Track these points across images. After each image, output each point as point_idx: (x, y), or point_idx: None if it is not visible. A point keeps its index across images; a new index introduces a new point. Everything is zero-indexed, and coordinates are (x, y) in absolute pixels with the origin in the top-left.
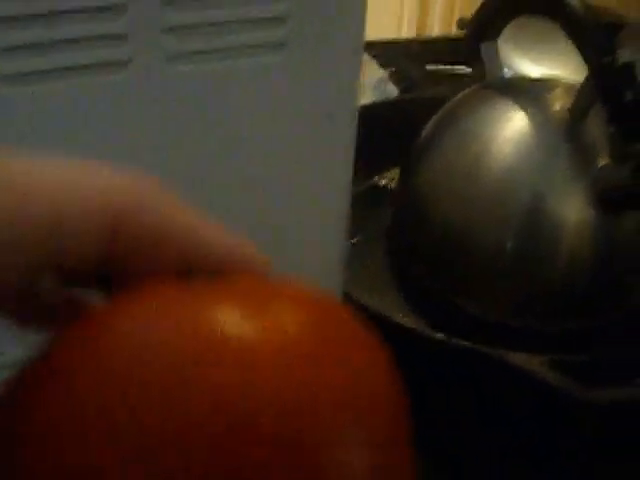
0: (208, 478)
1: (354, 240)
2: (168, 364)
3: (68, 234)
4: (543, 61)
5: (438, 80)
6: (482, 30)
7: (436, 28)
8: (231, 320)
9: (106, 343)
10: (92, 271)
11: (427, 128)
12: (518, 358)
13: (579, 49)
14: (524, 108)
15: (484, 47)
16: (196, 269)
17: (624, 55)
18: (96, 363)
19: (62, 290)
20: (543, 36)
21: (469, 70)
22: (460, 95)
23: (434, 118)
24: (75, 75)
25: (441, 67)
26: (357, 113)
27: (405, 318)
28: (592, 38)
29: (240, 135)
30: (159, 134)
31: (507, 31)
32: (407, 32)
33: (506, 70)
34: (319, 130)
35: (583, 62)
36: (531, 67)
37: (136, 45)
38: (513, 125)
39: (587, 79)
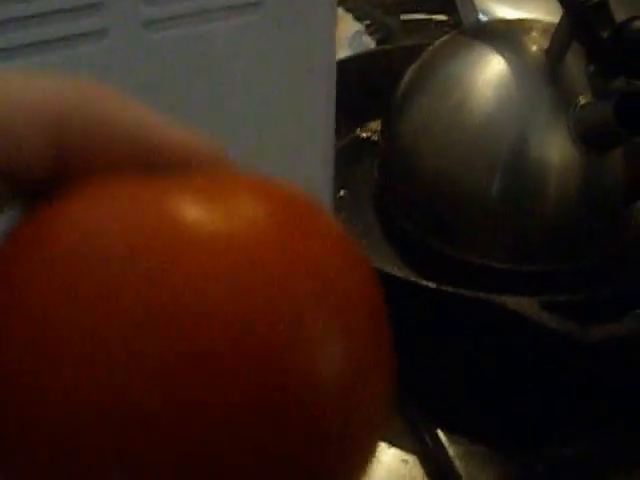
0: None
1: (340, 194)
2: (125, 262)
3: (11, 145)
4: (519, 5)
5: (414, 30)
6: None
7: None
8: (193, 209)
9: (60, 242)
10: (43, 184)
11: (405, 78)
12: (510, 302)
13: None
14: (502, 52)
15: None
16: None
17: None
18: (47, 264)
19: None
20: None
21: (444, 18)
22: (437, 43)
23: (412, 67)
24: (53, 48)
25: (416, 17)
26: (335, 66)
27: (395, 269)
28: None
29: (222, 96)
30: (141, 101)
31: None
32: None
33: (483, 16)
34: (300, 85)
35: (558, 3)
36: (508, 11)
37: (112, 14)
38: (492, 69)
39: (562, 19)
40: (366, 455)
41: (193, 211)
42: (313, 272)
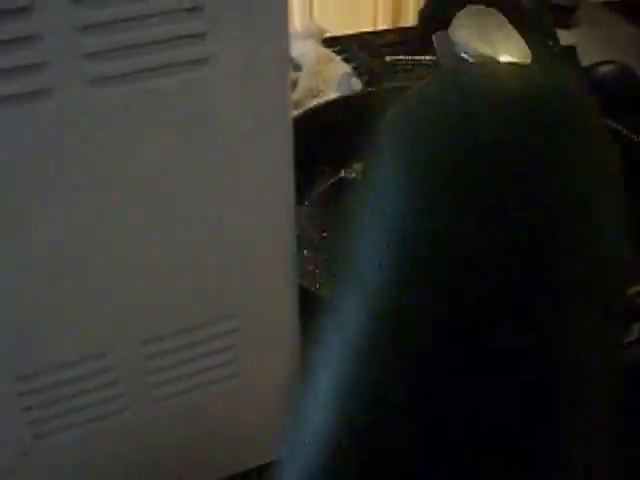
0: None
1: (324, 234)
2: None
3: None
4: (501, 46)
5: (400, 71)
6: (432, 21)
7: (411, 20)
8: None
9: None
10: None
11: (384, 120)
12: None
13: (522, 35)
14: None
15: (436, 37)
16: None
17: (566, 38)
18: None
19: None
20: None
21: (430, 58)
22: (415, 86)
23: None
24: None
25: (401, 58)
26: (291, 120)
27: None
28: (534, 25)
29: (173, 152)
30: (87, 159)
31: (466, 19)
32: (382, 24)
33: (465, 55)
34: (254, 142)
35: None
36: (488, 50)
37: (56, 73)
38: None
39: (532, 62)
40: None
41: None
42: None
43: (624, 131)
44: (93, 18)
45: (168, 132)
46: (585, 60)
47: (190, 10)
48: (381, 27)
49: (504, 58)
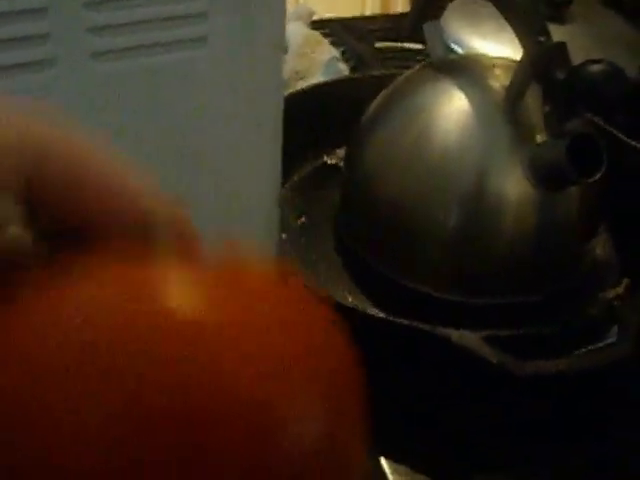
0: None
1: (302, 220)
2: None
3: None
4: (489, 36)
5: (388, 57)
6: (425, 10)
7: (400, 6)
8: (173, 294)
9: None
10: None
11: (370, 108)
12: (454, 335)
13: (513, 29)
14: (464, 88)
15: (426, 27)
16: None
17: (558, 34)
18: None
19: None
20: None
21: (419, 46)
22: (404, 75)
23: (378, 98)
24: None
25: (390, 44)
26: (282, 103)
27: (349, 297)
28: (526, 18)
29: (167, 128)
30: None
31: (459, 9)
32: (371, 9)
33: (455, 46)
34: (244, 120)
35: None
36: (477, 42)
37: (59, 45)
38: (454, 105)
39: (522, 59)
40: None
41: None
42: (306, 354)
43: (613, 132)
44: None
45: (163, 107)
46: (576, 57)
47: None
48: (370, 12)
49: (495, 51)
